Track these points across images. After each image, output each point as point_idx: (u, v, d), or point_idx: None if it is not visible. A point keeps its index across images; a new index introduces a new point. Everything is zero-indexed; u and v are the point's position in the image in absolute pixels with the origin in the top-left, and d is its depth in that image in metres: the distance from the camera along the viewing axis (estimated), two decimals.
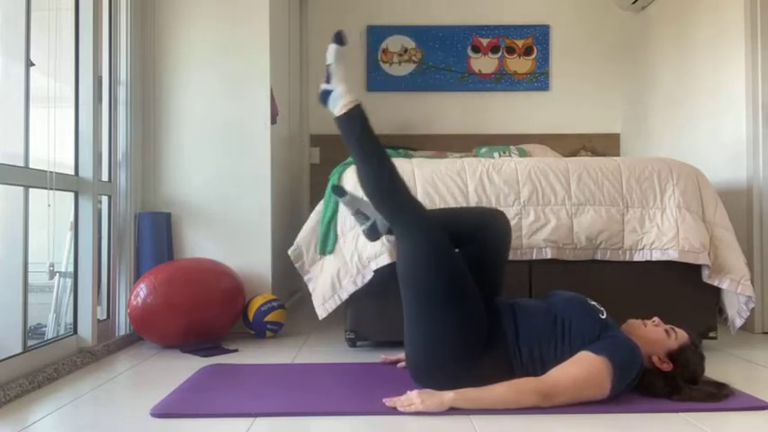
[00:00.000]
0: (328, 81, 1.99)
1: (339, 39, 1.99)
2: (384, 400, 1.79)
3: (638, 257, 2.54)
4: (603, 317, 1.91)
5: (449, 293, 1.87)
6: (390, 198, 1.95)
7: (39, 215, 2.25)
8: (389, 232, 2.15)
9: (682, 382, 1.84)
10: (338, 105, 1.96)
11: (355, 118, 1.95)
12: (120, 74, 2.89)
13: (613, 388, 1.76)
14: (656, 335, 1.89)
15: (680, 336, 1.90)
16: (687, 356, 1.87)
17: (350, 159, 2.84)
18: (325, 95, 2.00)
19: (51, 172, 2.25)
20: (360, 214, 2.16)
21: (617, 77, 4.70)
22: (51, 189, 2.25)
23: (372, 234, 2.17)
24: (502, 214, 2.13)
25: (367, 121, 1.96)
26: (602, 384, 1.75)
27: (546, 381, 1.77)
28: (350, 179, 2.63)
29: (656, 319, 1.97)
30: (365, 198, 2.07)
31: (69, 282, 2.60)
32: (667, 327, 1.93)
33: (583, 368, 1.77)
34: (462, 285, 1.88)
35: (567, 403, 1.75)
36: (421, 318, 1.90)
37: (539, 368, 1.84)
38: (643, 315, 2.00)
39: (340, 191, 2.17)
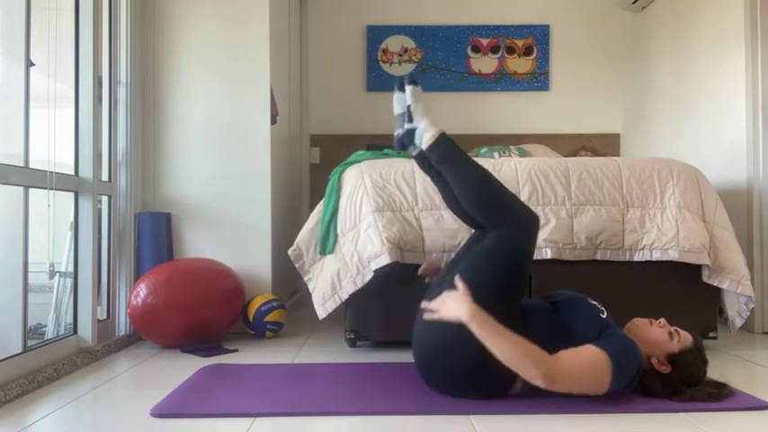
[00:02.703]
0: (410, 120, 2.08)
1: (412, 80, 2.10)
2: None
3: (638, 257, 2.54)
4: (604, 316, 1.91)
5: (512, 290, 1.88)
6: (500, 200, 1.98)
7: (39, 215, 2.25)
8: (420, 153, 2.10)
9: (680, 385, 1.83)
10: (425, 139, 2.05)
11: (443, 143, 2.04)
12: (120, 74, 2.90)
13: (611, 385, 1.75)
14: (658, 336, 1.88)
15: (683, 339, 1.88)
16: (687, 361, 1.86)
17: (350, 159, 2.84)
18: (409, 135, 2.08)
19: (51, 172, 2.25)
20: (405, 116, 2.11)
21: (617, 77, 4.70)
22: (51, 189, 2.25)
23: (407, 140, 2.10)
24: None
25: (455, 144, 2.06)
26: (603, 380, 1.74)
27: (555, 362, 1.71)
28: (350, 179, 2.64)
29: (662, 320, 1.94)
30: (421, 103, 2.08)
31: (69, 282, 2.60)
32: (672, 329, 1.90)
33: (589, 361, 1.74)
34: (523, 288, 1.92)
35: (563, 391, 1.71)
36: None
37: None
38: (643, 315, 1.99)
39: (414, 79, 2.12)
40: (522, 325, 1.85)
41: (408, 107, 2.08)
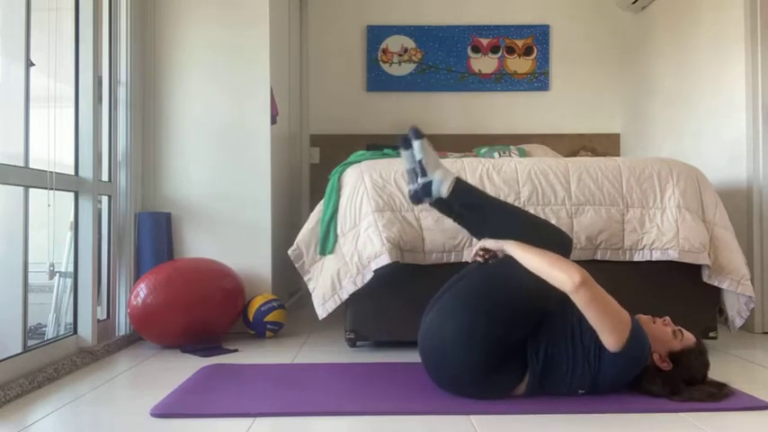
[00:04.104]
0: (424, 174, 2.07)
1: (417, 135, 2.08)
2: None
3: (638, 257, 2.54)
4: None
5: (529, 304, 1.87)
6: (533, 226, 2.07)
7: (39, 215, 2.25)
8: (437, 201, 2.10)
9: (680, 384, 1.84)
10: (443, 189, 2.06)
11: (462, 188, 2.09)
12: (120, 74, 2.89)
13: (625, 344, 1.77)
14: (661, 333, 1.89)
15: (686, 339, 1.90)
16: (689, 360, 1.87)
17: (350, 159, 2.84)
18: (425, 188, 2.08)
19: (51, 172, 2.25)
20: (416, 171, 2.09)
21: (617, 77, 4.70)
22: (51, 189, 2.25)
23: (423, 194, 2.09)
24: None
25: (472, 187, 2.16)
26: (622, 328, 1.78)
27: (593, 280, 1.78)
28: (350, 179, 2.64)
29: (667, 318, 1.96)
30: (431, 155, 2.09)
31: (69, 282, 2.60)
32: (676, 328, 1.92)
33: (619, 308, 1.81)
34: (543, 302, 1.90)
35: (585, 302, 1.75)
36: (481, 313, 1.85)
37: (552, 368, 1.83)
38: (645, 314, 1.99)
39: (418, 134, 2.09)
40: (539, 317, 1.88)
41: (420, 162, 2.08)
